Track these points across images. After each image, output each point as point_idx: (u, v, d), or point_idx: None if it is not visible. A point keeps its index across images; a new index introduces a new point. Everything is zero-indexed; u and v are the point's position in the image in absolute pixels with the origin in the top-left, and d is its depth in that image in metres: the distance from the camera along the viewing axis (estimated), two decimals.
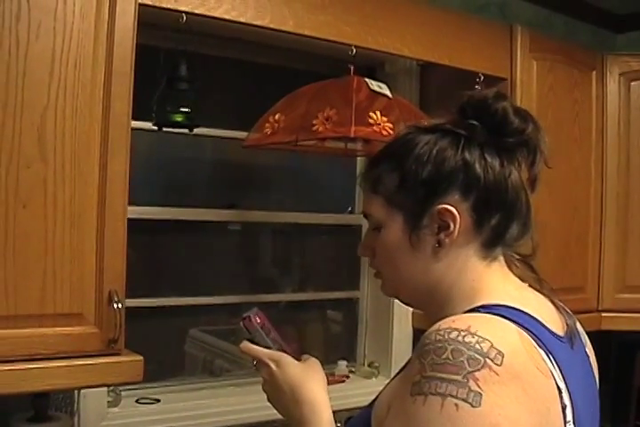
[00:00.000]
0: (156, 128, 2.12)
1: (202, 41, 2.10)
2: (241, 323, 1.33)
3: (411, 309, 2.89)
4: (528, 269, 1.24)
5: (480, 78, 2.55)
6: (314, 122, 2.06)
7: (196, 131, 2.17)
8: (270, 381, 1.30)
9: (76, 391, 2.16)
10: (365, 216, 1.26)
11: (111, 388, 2.31)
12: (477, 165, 1.14)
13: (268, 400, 1.33)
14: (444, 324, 1.01)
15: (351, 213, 3.10)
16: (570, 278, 2.80)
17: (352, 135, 2.02)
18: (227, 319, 2.83)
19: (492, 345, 0.96)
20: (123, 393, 2.38)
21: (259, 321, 1.33)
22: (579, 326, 1.23)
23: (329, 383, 2.61)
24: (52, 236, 1.62)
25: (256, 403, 2.57)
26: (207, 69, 2.14)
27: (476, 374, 0.94)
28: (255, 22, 2.03)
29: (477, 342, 0.96)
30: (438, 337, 0.98)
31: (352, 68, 2.21)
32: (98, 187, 1.69)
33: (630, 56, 3.01)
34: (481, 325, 1.00)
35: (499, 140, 1.16)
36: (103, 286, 1.69)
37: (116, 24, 1.71)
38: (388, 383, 1.24)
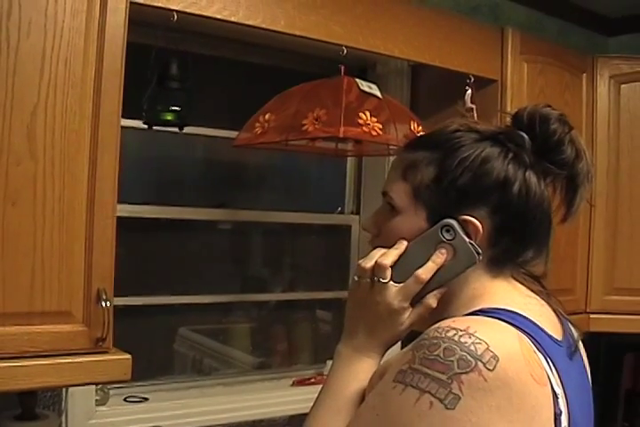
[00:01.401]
0: (146, 126, 2.12)
1: (193, 40, 2.10)
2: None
3: None
4: (538, 285, 1.22)
5: (470, 80, 2.56)
6: (304, 122, 2.06)
7: (186, 130, 2.17)
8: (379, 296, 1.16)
9: (63, 390, 2.16)
10: (384, 194, 1.20)
11: (99, 386, 2.30)
12: (516, 186, 1.12)
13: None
14: (443, 323, 1.00)
15: (341, 213, 3.10)
16: (559, 280, 2.79)
17: (341, 135, 2.03)
18: (216, 319, 2.83)
19: (487, 348, 0.94)
20: (111, 392, 2.38)
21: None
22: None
23: (317, 383, 2.60)
24: (40, 233, 1.61)
25: (244, 402, 2.59)
26: (198, 68, 2.14)
27: (463, 376, 0.93)
28: (246, 22, 2.02)
29: (473, 344, 0.95)
30: (435, 334, 0.98)
31: (343, 68, 2.22)
32: (87, 185, 1.68)
33: (621, 59, 3.02)
34: (480, 326, 0.99)
35: (543, 164, 1.15)
36: (92, 284, 1.69)
37: (107, 22, 1.70)
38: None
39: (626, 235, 2.97)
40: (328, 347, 3.10)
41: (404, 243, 1.15)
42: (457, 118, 1.24)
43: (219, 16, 1.98)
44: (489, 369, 0.93)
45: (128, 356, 1.74)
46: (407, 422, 0.95)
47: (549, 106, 1.19)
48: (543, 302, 1.18)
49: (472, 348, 0.94)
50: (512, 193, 1.12)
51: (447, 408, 0.92)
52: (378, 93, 2.23)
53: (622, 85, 2.98)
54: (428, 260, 1.13)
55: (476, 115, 2.51)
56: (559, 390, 1.01)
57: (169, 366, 2.72)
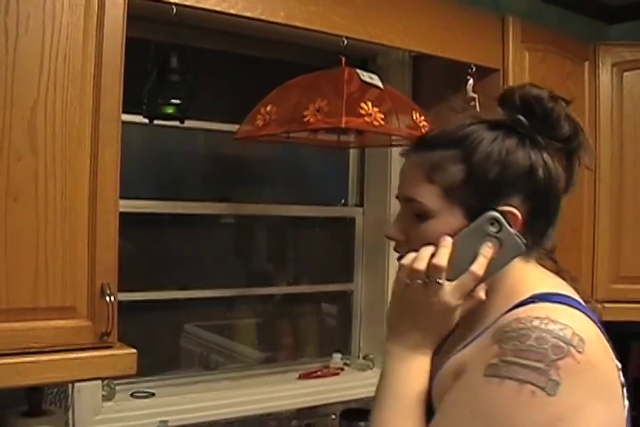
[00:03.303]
0: (147, 121, 2.11)
1: (192, 34, 2.09)
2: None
3: None
4: (553, 263, 1.27)
5: (472, 69, 2.55)
6: (305, 113, 2.05)
7: (188, 124, 2.16)
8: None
9: (70, 385, 2.16)
10: (407, 200, 1.20)
11: (105, 382, 2.31)
12: (540, 171, 1.15)
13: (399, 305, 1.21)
14: (521, 313, 1.05)
15: (345, 205, 3.10)
16: None
17: (343, 126, 2.02)
18: (222, 314, 2.83)
19: (574, 332, 1.00)
20: (117, 387, 2.38)
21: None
22: None
23: (323, 376, 2.60)
24: (43, 229, 1.61)
25: (251, 396, 2.59)
26: (198, 62, 2.13)
27: (559, 362, 0.97)
28: (245, 14, 2.02)
29: (561, 329, 0.99)
30: (520, 325, 1.02)
31: (343, 59, 2.20)
32: (89, 180, 1.68)
33: (623, 46, 3.00)
34: (556, 312, 1.03)
35: (550, 143, 1.17)
36: (95, 280, 1.68)
37: (106, 16, 1.70)
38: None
39: (630, 223, 2.96)
40: (333, 340, 3.11)
41: (449, 240, 1.15)
42: (460, 107, 1.25)
43: (217, 8, 1.97)
44: (579, 352, 0.98)
45: (133, 350, 1.74)
46: (509, 414, 0.98)
47: (534, 85, 1.22)
48: (568, 282, 1.23)
49: (561, 333, 0.99)
50: (538, 178, 1.15)
51: (549, 395, 0.96)
52: (379, 84, 2.22)
53: (625, 73, 2.96)
54: (475, 255, 1.14)
55: (478, 104, 2.50)
56: (619, 364, 1.09)
57: (175, 361, 2.72)
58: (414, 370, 1.17)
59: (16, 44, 1.57)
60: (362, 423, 2.64)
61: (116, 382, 2.37)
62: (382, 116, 2.08)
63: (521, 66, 2.69)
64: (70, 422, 2.18)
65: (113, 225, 1.72)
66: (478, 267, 1.13)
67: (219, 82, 2.68)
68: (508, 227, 1.13)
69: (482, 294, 1.16)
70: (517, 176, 1.14)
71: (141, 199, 2.46)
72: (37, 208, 1.60)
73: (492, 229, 1.13)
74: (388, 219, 2.91)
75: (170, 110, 2.05)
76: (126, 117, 1.81)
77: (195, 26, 2.15)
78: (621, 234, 2.96)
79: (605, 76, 2.96)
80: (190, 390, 2.58)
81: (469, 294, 1.16)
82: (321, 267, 3.09)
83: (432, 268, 1.14)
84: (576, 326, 1.01)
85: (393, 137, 2.35)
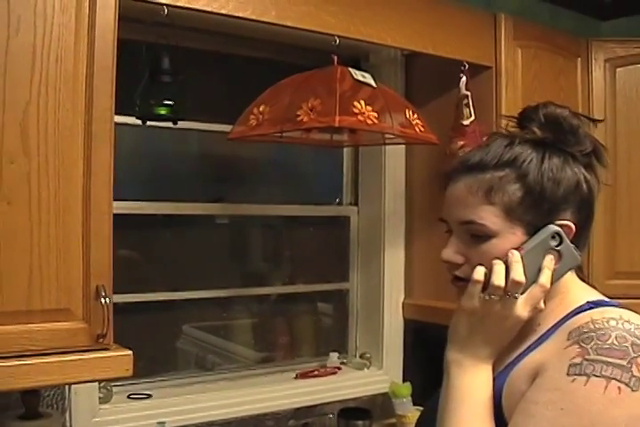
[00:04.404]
0: (140, 122, 2.11)
1: (184, 34, 2.09)
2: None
3: (401, 299, 2.90)
4: (580, 272, 1.33)
5: (465, 67, 2.55)
6: (298, 113, 2.05)
7: (181, 125, 2.16)
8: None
9: (66, 388, 2.16)
10: (462, 223, 1.25)
11: (102, 384, 2.30)
12: (584, 185, 1.24)
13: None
14: (594, 315, 1.12)
15: (339, 204, 3.10)
16: None
17: (336, 125, 2.01)
18: (218, 314, 2.82)
19: None
20: (114, 389, 2.38)
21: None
22: None
23: (320, 376, 2.60)
24: (37, 231, 1.60)
25: (248, 396, 2.59)
26: (191, 63, 2.13)
27: (639, 359, 1.04)
28: (237, 14, 2.02)
29: (636, 329, 1.07)
30: (598, 325, 1.09)
31: (335, 58, 2.20)
32: (82, 181, 1.67)
33: (615, 42, 3.00)
34: (628, 314, 1.11)
35: (580, 157, 1.26)
36: (90, 281, 1.68)
37: (97, 18, 1.69)
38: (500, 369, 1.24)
39: (625, 218, 2.96)
40: (330, 339, 3.11)
41: (518, 255, 1.20)
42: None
43: (208, 9, 1.97)
44: None
45: (129, 352, 1.73)
46: (599, 410, 1.02)
47: (553, 102, 1.32)
48: None
49: (637, 333, 1.07)
50: (584, 192, 1.24)
51: (633, 390, 1.02)
52: (372, 82, 2.22)
53: (617, 69, 2.97)
54: (539, 268, 1.20)
55: (471, 102, 2.50)
56: None
57: (172, 362, 2.72)
58: (483, 378, 1.21)
59: (7, 47, 1.56)
60: (359, 422, 2.64)
61: (112, 383, 2.36)
62: (375, 115, 2.08)
63: (513, 63, 2.69)
64: (67, 424, 2.18)
65: (107, 226, 1.72)
66: (546, 279, 1.20)
67: (211, 82, 2.68)
68: (567, 240, 1.21)
69: (542, 304, 1.21)
70: (568, 191, 1.21)
71: (136, 200, 2.45)
72: (31, 210, 1.60)
73: (553, 243, 1.20)
74: (383, 217, 2.91)
75: (162, 111, 2.05)
76: (119, 119, 1.81)
77: (186, 27, 2.14)
78: (616, 229, 2.97)
79: (598, 72, 2.97)
80: (187, 391, 2.57)
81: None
82: (316, 266, 3.09)
83: (512, 283, 1.19)
84: None
85: (386, 135, 2.35)
